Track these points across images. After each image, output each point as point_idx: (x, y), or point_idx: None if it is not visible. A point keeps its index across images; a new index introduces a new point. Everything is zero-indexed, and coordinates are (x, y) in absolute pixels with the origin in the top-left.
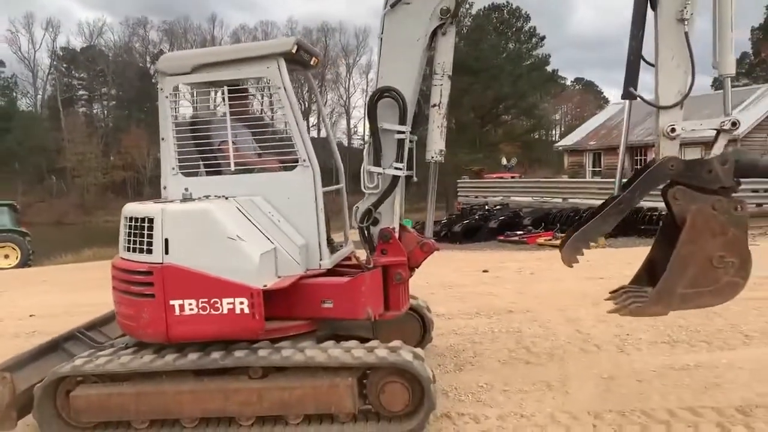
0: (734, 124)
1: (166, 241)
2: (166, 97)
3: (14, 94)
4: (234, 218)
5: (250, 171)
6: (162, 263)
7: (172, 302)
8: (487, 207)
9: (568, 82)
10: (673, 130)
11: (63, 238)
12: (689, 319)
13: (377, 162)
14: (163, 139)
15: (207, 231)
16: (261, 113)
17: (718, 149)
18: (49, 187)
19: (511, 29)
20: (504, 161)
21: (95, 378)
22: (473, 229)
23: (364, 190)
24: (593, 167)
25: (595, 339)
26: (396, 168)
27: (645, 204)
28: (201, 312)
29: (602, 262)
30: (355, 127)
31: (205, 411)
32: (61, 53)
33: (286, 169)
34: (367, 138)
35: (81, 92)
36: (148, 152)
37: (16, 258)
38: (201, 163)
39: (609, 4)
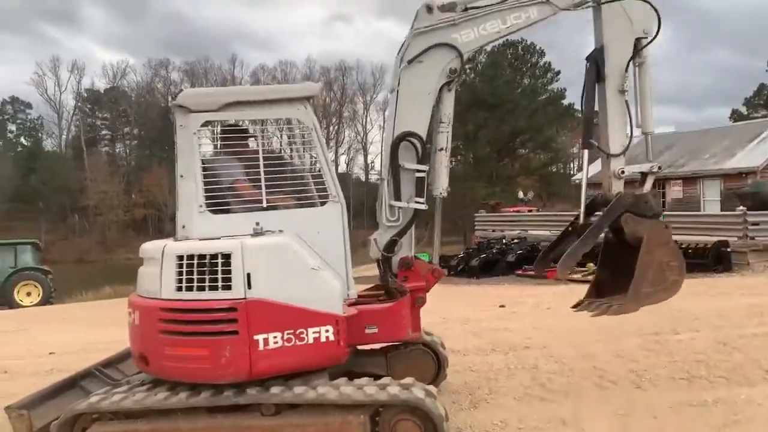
0: (659, 167)
1: (248, 275)
2: (194, 133)
3: (40, 134)
4: (306, 250)
5: (280, 208)
6: (245, 298)
7: (256, 337)
8: (504, 241)
9: None
10: (622, 172)
11: (84, 275)
12: (709, 354)
13: (398, 197)
14: (181, 176)
15: (289, 263)
16: (281, 152)
17: (647, 187)
18: (72, 225)
19: (526, 65)
20: (521, 194)
21: (111, 415)
22: (491, 263)
23: (385, 223)
24: None
25: (611, 375)
26: (418, 202)
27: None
28: (286, 344)
29: None
30: (372, 162)
31: None
32: (86, 95)
33: (314, 205)
34: (384, 175)
35: (104, 132)
36: (169, 190)
37: (38, 295)
38: (232, 200)
39: None
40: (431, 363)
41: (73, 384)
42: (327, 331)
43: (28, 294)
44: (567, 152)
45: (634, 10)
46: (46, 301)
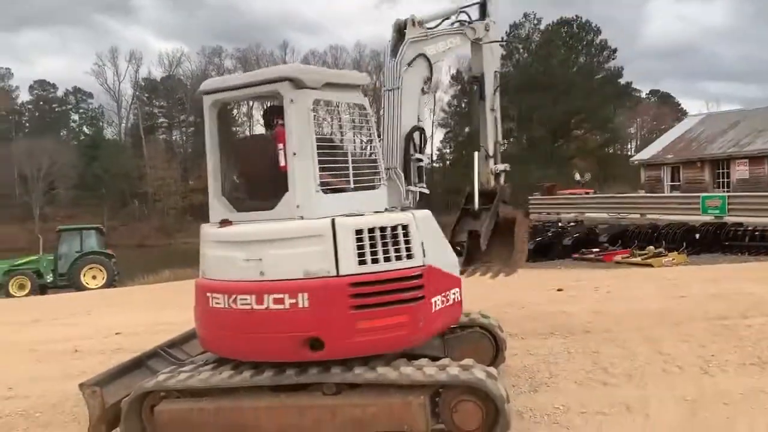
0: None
1: (422, 244)
2: (310, 109)
3: (101, 123)
4: None
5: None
6: (424, 265)
7: (432, 300)
8: (560, 224)
9: (643, 95)
10: (498, 171)
11: (144, 260)
12: None
13: (410, 183)
14: (295, 154)
15: (437, 233)
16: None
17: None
18: (132, 211)
19: (581, 43)
20: (577, 176)
21: (177, 393)
22: (546, 246)
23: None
24: (671, 181)
25: (677, 360)
26: (422, 187)
27: (730, 219)
28: (442, 305)
29: (685, 280)
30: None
31: (282, 427)
32: (143, 83)
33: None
34: (394, 165)
35: (161, 120)
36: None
37: (103, 278)
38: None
39: (683, 12)
40: (489, 346)
41: (140, 363)
42: (456, 292)
43: (94, 277)
44: (624, 133)
45: (496, 49)
46: (110, 283)
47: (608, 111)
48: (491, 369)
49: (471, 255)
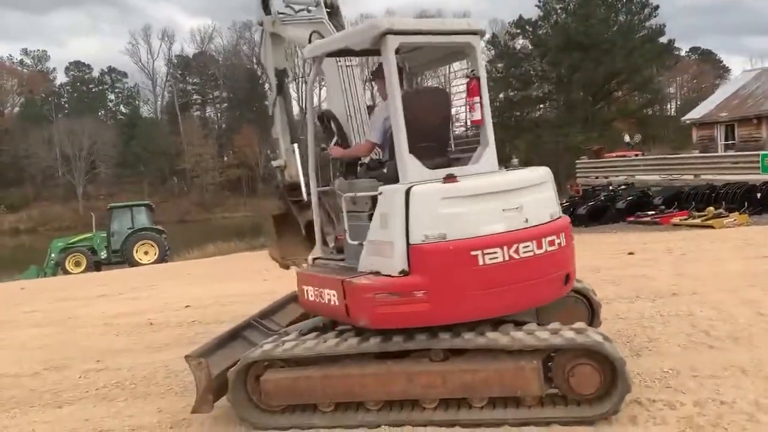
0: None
1: None
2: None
3: (137, 102)
4: None
5: None
6: None
7: None
8: (611, 187)
9: (683, 53)
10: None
11: (186, 235)
12: None
13: None
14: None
15: None
16: None
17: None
18: (171, 187)
19: (621, 1)
20: (627, 138)
21: (281, 363)
22: (599, 210)
23: None
24: (725, 140)
25: None
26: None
27: None
28: None
29: (761, 240)
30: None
31: (389, 394)
32: (176, 61)
33: None
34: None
35: (195, 97)
36: (260, 150)
37: (155, 254)
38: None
39: None
40: (584, 310)
41: (236, 335)
42: None
43: (146, 253)
44: (665, 93)
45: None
46: (162, 259)
47: (649, 71)
48: (604, 332)
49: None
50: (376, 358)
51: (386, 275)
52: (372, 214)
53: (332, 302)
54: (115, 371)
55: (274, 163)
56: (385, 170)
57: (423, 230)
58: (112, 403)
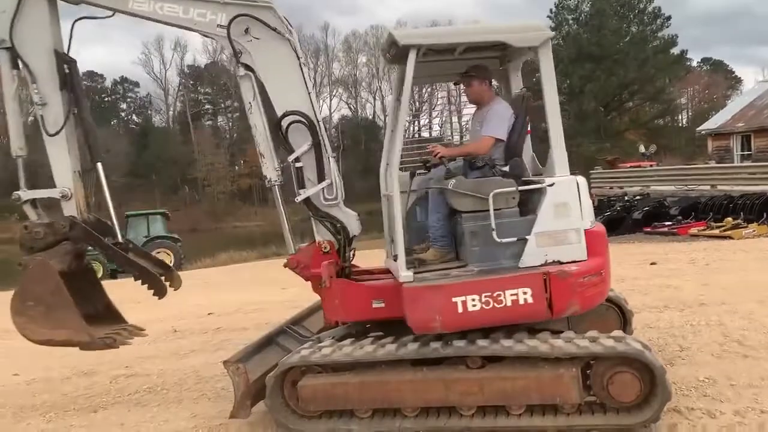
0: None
1: None
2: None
3: (149, 111)
4: None
5: None
6: None
7: None
8: (626, 197)
9: (695, 63)
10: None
11: (199, 243)
12: None
13: None
14: None
15: None
16: None
17: None
18: (183, 196)
19: (634, 11)
20: (642, 149)
21: (319, 368)
22: (615, 221)
23: None
24: (741, 151)
25: None
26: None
27: None
28: None
29: None
30: (467, 123)
31: (426, 401)
32: (188, 71)
33: None
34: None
35: (207, 106)
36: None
37: (170, 262)
38: None
39: None
40: (616, 319)
41: (270, 341)
42: None
43: None
44: (677, 103)
45: None
46: (177, 266)
47: (662, 81)
48: (644, 340)
49: None
50: (412, 365)
51: (570, 261)
52: (518, 209)
53: (522, 301)
54: (145, 377)
55: (54, 193)
56: (507, 168)
57: (588, 216)
58: (146, 408)
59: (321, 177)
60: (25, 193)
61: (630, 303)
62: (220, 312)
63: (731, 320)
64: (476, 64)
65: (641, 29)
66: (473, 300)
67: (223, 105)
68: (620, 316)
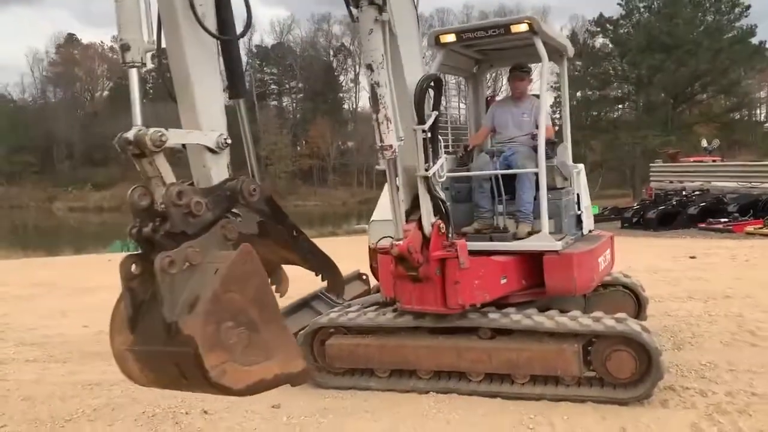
0: None
1: None
2: None
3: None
4: None
5: None
6: None
7: None
8: (684, 192)
9: None
10: None
11: None
12: None
13: None
14: None
15: None
16: None
17: None
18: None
19: (710, 0)
20: (704, 143)
21: (345, 330)
22: (670, 215)
23: None
24: None
25: None
26: None
27: None
28: None
29: None
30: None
31: (439, 365)
32: (255, 51)
33: None
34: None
35: (272, 86)
36: (332, 141)
37: None
38: None
39: None
40: (631, 304)
41: (304, 304)
42: None
43: None
44: (754, 97)
45: None
46: None
47: (737, 73)
48: (645, 322)
49: None
50: (429, 333)
51: (593, 230)
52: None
53: (608, 260)
54: None
55: (207, 140)
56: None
57: None
58: None
59: (436, 152)
60: (170, 134)
61: (657, 292)
62: None
63: (751, 313)
64: (527, 63)
65: (717, 19)
66: (602, 260)
67: (287, 86)
68: (636, 302)
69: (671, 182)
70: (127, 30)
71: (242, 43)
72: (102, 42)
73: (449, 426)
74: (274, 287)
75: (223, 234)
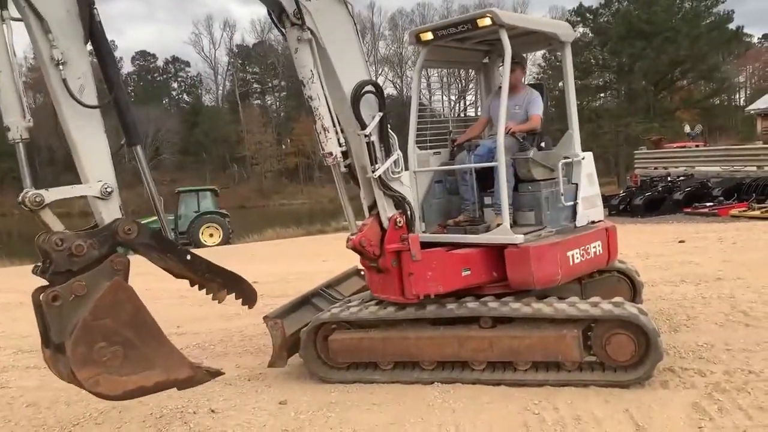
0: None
1: None
2: None
3: (199, 91)
4: None
5: None
6: None
7: None
8: (669, 178)
9: (755, 39)
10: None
11: (247, 220)
12: None
13: None
14: None
15: None
16: None
17: None
18: (232, 174)
19: None
20: (687, 129)
21: (347, 325)
22: (656, 201)
23: None
24: None
25: None
26: None
27: None
28: None
29: None
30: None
31: (442, 355)
32: (237, 50)
33: None
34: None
35: (255, 86)
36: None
37: (219, 236)
38: None
39: None
40: (627, 289)
41: (306, 301)
42: None
43: (211, 235)
44: (732, 82)
45: None
46: (226, 241)
47: (716, 59)
48: (642, 306)
49: None
50: (431, 324)
51: (599, 221)
52: (567, 179)
53: (597, 252)
54: (194, 335)
55: (90, 190)
56: (543, 143)
57: None
58: (195, 360)
59: (388, 151)
60: (49, 193)
61: (649, 277)
62: (264, 281)
63: (743, 294)
64: (519, 54)
65: (695, 5)
66: (578, 253)
67: (270, 84)
68: (631, 287)
69: (656, 168)
70: (7, 114)
71: (223, 44)
72: None
73: (455, 414)
74: (240, 301)
75: (111, 267)
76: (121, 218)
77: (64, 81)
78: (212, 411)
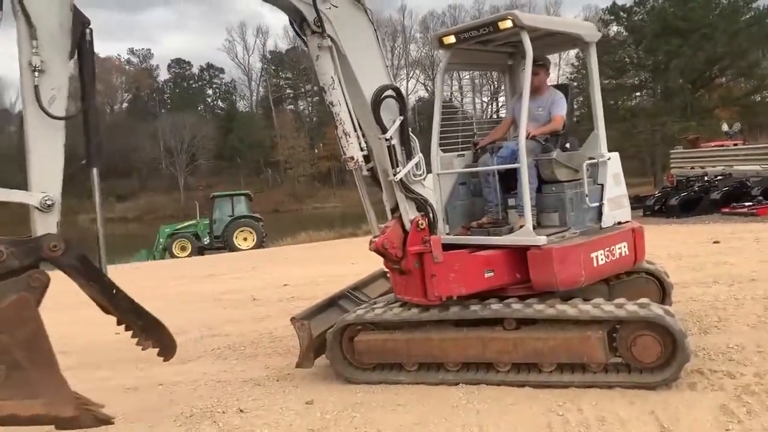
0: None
1: None
2: None
3: (234, 97)
4: None
5: None
6: None
7: None
8: (706, 178)
9: None
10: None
11: (280, 224)
12: None
13: None
14: None
15: None
16: None
17: None
18: (266, 179)
19: None
20: (725, 127)
21: (372, 326)
22: (692, 201)
23: None
24: None
25: None
26: None
27: None
28: None
29: None
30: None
31: (467, 357)
32: (270, 56)
33: None
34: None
35: (288, 91)
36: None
37: (253, 240)
38: None
39: None
40: (655, 291)
41: (332, 303)
42: None
43: (245, 239)
44: None
45: None
46: (259, 244)
47: (756, 55)
48: (668, 306)
49: None
50: (454, 326)
51: (626, 221)
52: (592, 179)
53: (623, 253)
54: (225, 337)
55: (30, 199)
56: (568, 144)
57: None
58: (226, 361)
59: (409, 154)
60: None
61: (681, 278)
62: (295, 283)
63: None
64: (543, 55)
65: (732, 0)
66: (602, 254)
67: (303, 89)
68: (660, 288)
69: (692, 168)
70: None
71: (256, 51)
72: (119, 55)
73: (479, 416)
74: (157, 351)
75: (28, 282)
76: (52, 234)
77: (36, 88)
78: (241, 410)
